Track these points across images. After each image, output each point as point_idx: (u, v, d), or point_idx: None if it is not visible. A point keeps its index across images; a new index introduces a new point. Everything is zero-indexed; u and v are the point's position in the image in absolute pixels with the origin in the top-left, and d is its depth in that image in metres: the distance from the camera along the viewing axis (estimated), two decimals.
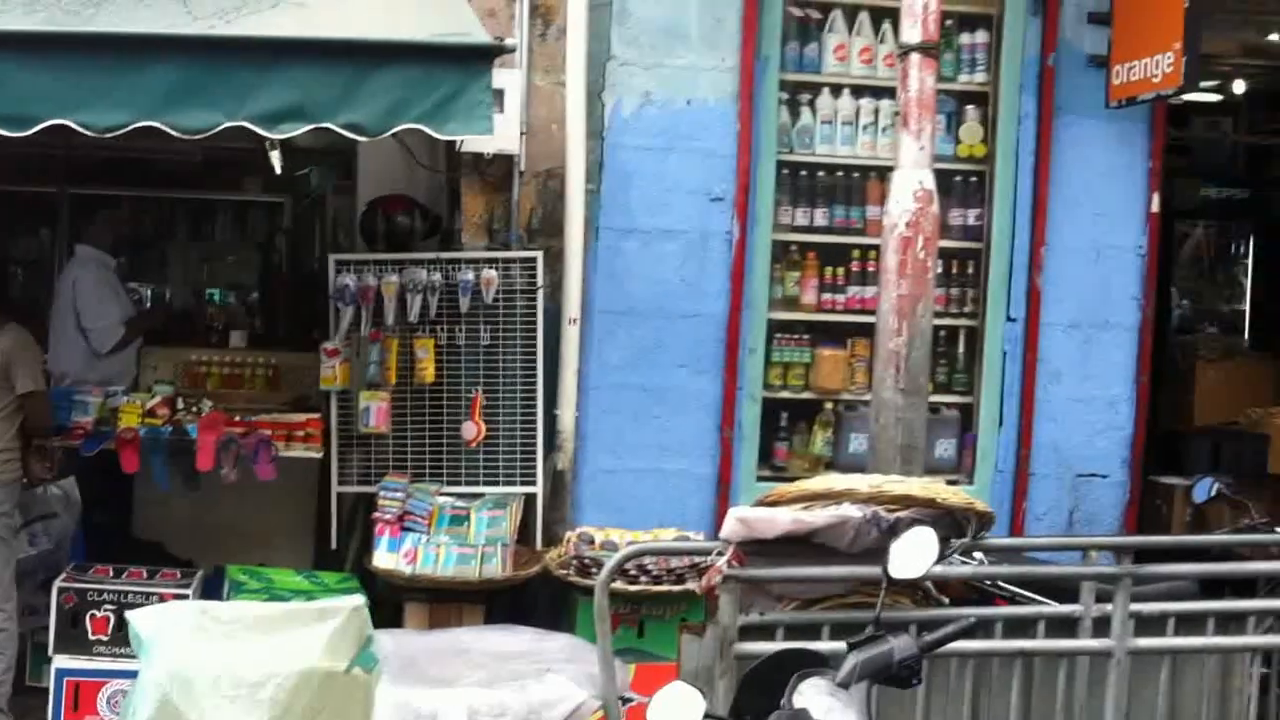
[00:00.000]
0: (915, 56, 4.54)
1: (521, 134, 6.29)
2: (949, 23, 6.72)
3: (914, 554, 2.86)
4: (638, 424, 6.53)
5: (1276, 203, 9.05)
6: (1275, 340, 8.43)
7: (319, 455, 6.38)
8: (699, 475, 6.58)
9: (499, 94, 5.61)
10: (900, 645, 2.59)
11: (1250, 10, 7.40)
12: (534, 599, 6.17)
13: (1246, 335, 9.79)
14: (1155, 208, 6.88)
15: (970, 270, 6.85)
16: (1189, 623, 4.05)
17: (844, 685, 2.57)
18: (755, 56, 6.53)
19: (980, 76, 6.83)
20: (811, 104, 6.74)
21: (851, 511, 3.86)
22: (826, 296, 6.77)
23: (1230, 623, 4.12)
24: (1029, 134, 6.73)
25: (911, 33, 4.56)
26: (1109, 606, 3.89)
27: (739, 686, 2.88)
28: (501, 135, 5.76)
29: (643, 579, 5.76)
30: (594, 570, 5.56)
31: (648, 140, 6.49)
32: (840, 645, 2.78)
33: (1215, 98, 9.28)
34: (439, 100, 4.78)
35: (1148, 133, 6.84)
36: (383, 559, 5.98)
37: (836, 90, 6.74)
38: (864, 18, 6.75)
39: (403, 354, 6.29)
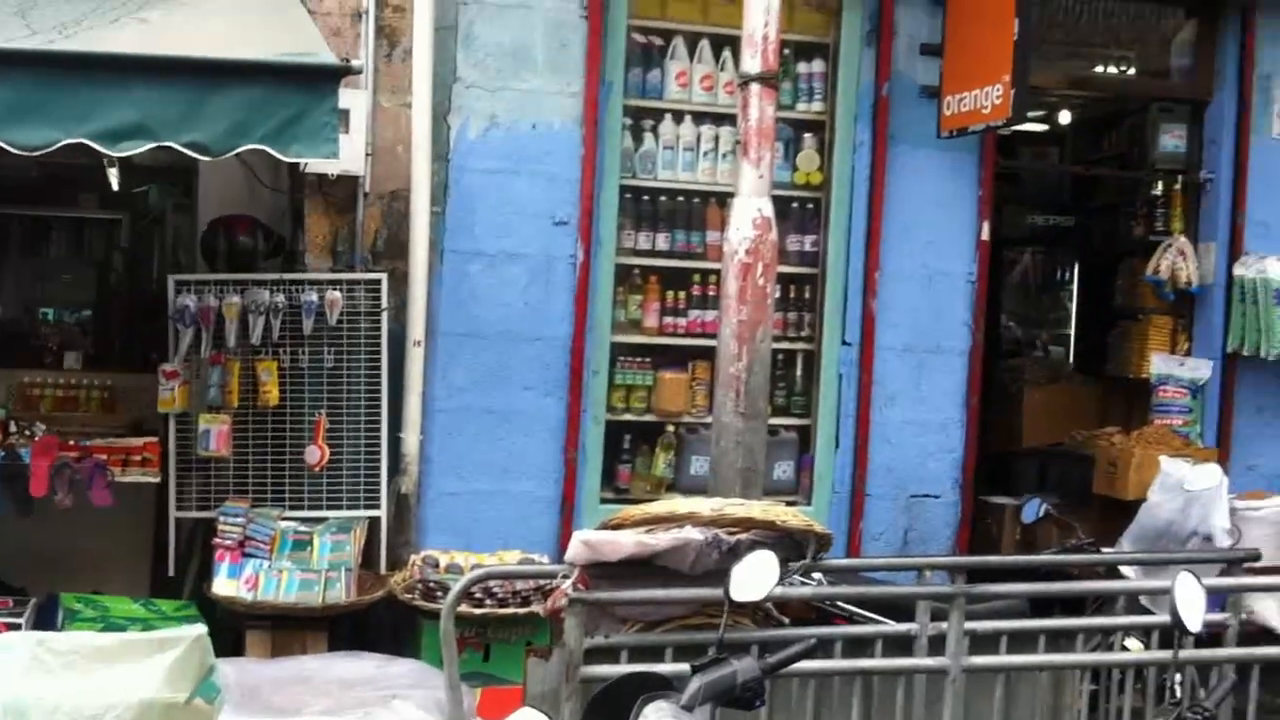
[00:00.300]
0: (755, 86, 4.64)
1: (367, 155, 6.28)
2: (787, 52, 6.88)
3: (754, 577, 2.93)
4: (483, 446, 6.53)
5: (1100, 230, 9.40)
6: (1099, 364, 8.75)
7: (156, 480, 6.24)
8: (544, 497, 6.61)
9: (344, 114, 5.58)
10: (743, 667, 2.64)
11: (1075, 43, 7.72)
12: (379, 624, 6.12)
13: (1072, 359, 10.14)
14: (985, 235, 7.12)
15: (807, 295, 7.02)
16: (1021, 641, 4.19)
17: (688, 708, 2.61)
18: (600, 82, 6.61)
19: (818, 105, 7.01)
20: (654, 129, 6.84)
21: (694, 534, 3.92)
22: (668, 320, 6.87)
23: (1061, 640, 4.27)
24: (864, 162, 6.91)
25: (751, 63, 4.65)
26: (944, 625, 4.01)
27: (585, 710, 2.91)
28: (347, 156, 5.73)
29: (488, 602, 5.76)
30: (439, 594, 5.55)
31: (493, 163, 6.51)
32: (684, 667, 2.83)
33: (1043, 128, 9.64)
34: (283, 121, 4.75)
35: (978, 162, 7.08)
36: (223, 586, 5.88)
37: (679, 116, 6.87)
38: (705, 45, 6.88)
39: (244, 376, 6.20)
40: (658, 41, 6.89)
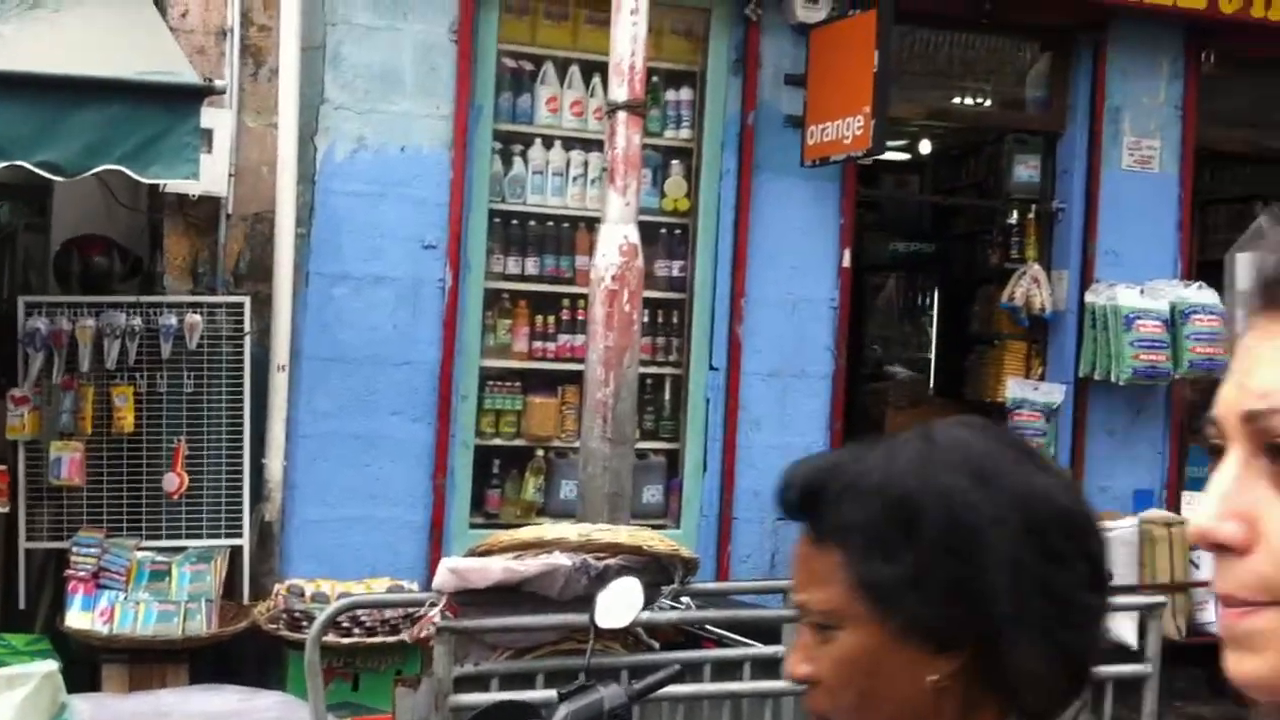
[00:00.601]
0: (622, 114, 4.67)
1: (230, 175, 6.17)
2: (655, 79, 6.95)
3: (620, 603, 2.93)
4: (349, 472, 6.45)
5: (960, 257, 9.64)
6: (959, 387, 8.95)
7: (6, 510, 6.04)
8: (412, 523, 6.55)
9: (208, 134, 5.50)
10: (610, 694, 2.64)
11: (935, 75, 7.90)
12: (243, 656, 6.00)
13: (932, 383, 10.36)
14: (846, 262, 7.24)
15: (675, 320, 7.07)
16: None
17: None
18: (469, 105, 6.59)
19: (685, 132, 7.08)
20: (524, 154, 6.85)
21: (561, 560, 3.92)
22: (538, 344, 6.86)
23: None
24: (730, 189, 6.99)
25: (619, 91, 4.69)
26: None
27: None
28: (209, 177, 5.65)
29: (356, 631, 5.68)
30: (305, 624, 5.45)
31: (361, 186, 6.46)
32: (552, 694, 2.82)
33: (905, 157, 9.87)
34: (142, 141, 4.66)
35: (840, 191, 7.20)
36: (77, 619, 5.71)
37: (549, 141, 6.88)
38: (575, 71, 6.91)
39: (99, 402, 6.03)
40: (528, 66, 6.90)
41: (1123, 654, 6.05)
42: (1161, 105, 7.86)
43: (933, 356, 10.70)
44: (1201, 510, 0.95)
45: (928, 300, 11.07)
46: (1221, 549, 0.93)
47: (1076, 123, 7.77)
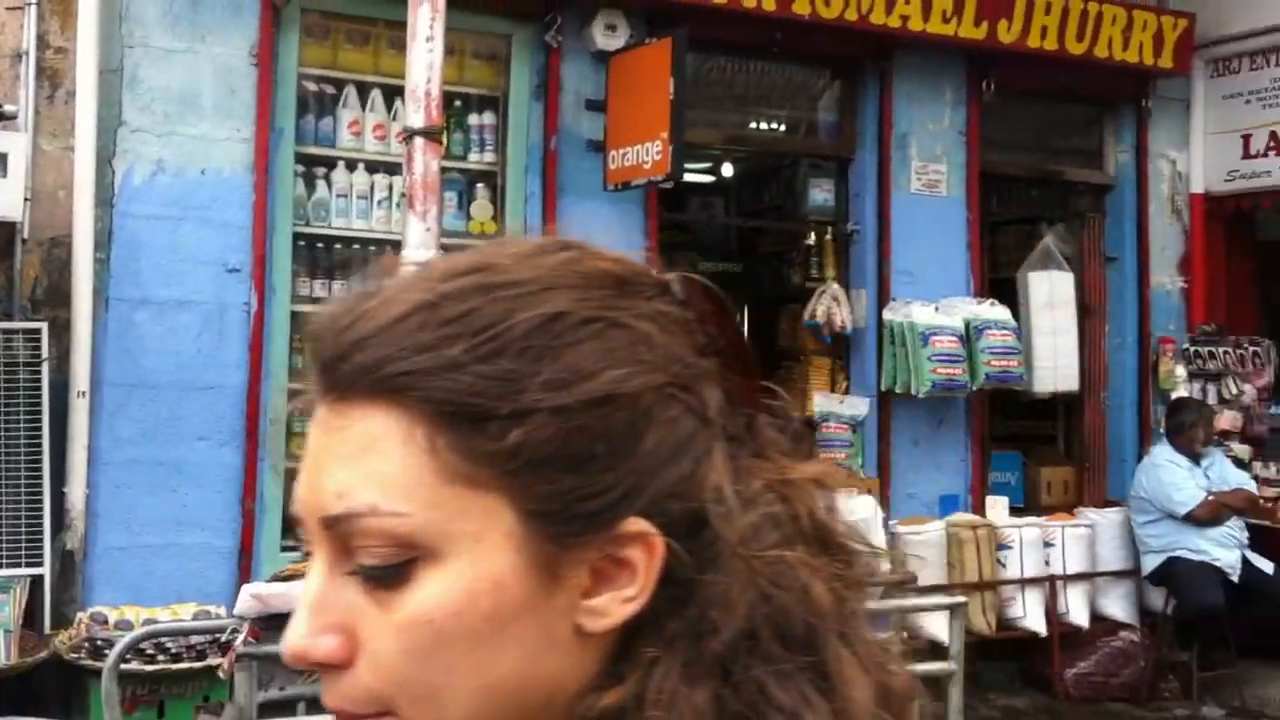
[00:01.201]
0: (420, 140, 4.77)
1: (26, 200, 6.09)
2: (458, 103, 7.08)
3: None
4: (154, 498, 6.40)
5: (765, 276, 9.91)
6: None
7: None
8: (221, 548, 6.52)
9: (1, 158, 5.45)
10: None
11: (732, 101, 8.18)
12: (46, 687, 5.90)
13: None
14: None
15: None
16: None
17: None
18: (270, 128, 6.61)
19: (490, 156, 7.21)
20: (327, 177, 6.89)
21: None
22: None
23: None
24: (535, 212, 7.11)
25: (416, 117, 4.78)
26: None
27: None
28: (3, 201, 5.60)
29: (161, 658, 5.65)
30: (107, 652, 5.42)
31: (161, 209, 6.43)
32: None
33: (708, 179, 10.15)
34: None
35: (643, 214, 7.40)
36: None
37: (352, 165, 6.93)
38: (377, 95, 6.97)
39: None
40: (330, 90, 6.96)
41: (937, 650, 6.37)
42: (946, 130, 8.26)
43: None
44: (294, 628, 0.85)
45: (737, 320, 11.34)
46: (324, 666, 0.84)
47: (866, 147, 8.11)
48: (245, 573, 6.43)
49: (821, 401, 8.08)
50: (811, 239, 8.40)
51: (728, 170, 9.80)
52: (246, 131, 6.60)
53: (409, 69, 4.83)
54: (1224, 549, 7.92)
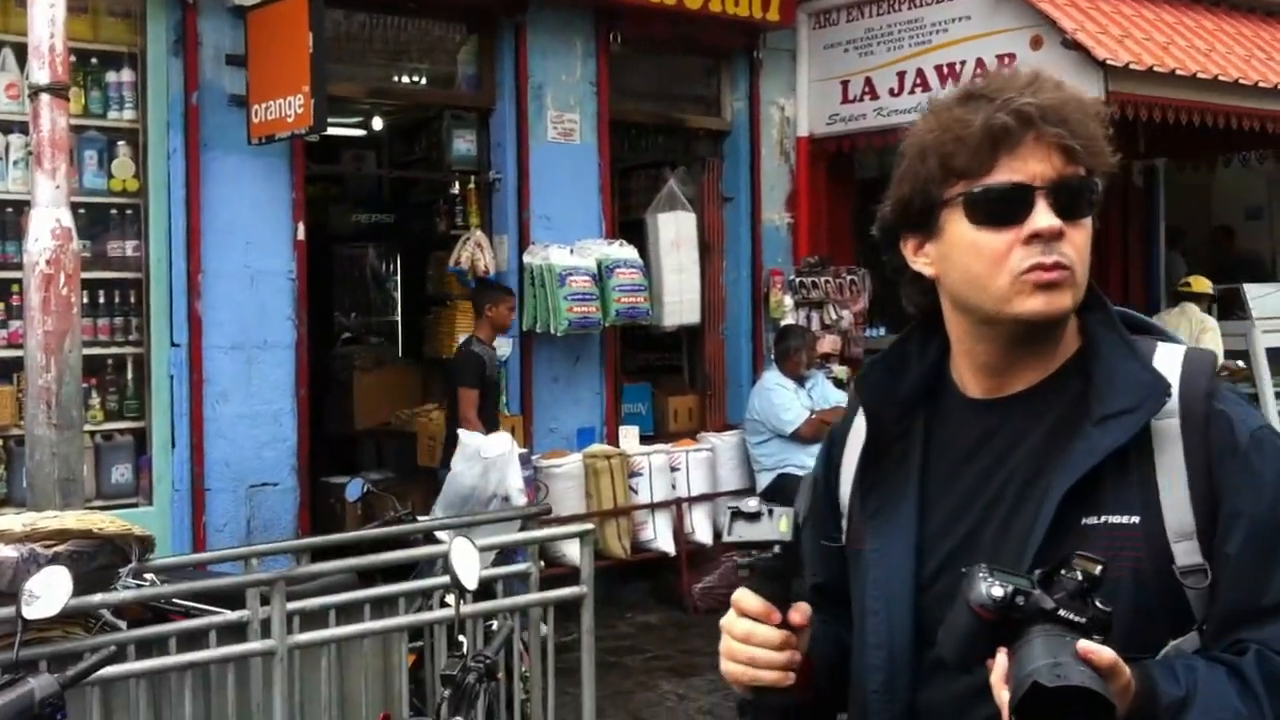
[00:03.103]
0: (45, 97, 4.29)
1: None
2: (94, 61, 6.49)
3: (49, 592, 2.72)
4: None
5: (416, 226, 9.65)
6: (420, 347, 8.99)
7: None
8: None
9: None
10: (40, 684, 2.45)
11: (374, 55, 7.84)
12: None
13: (400, 344, 10.35)
14: (301, 235, 7.06)
15: (133, 299, 6.64)
16: (349, 612, 4.16)
17: None
18: None
19: (130, 113, 6.63)
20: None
21: (7, 552, 3.58)
22: (4, 332, 6.25)
23: (385, 607, 4.30)
24: (179, 168, 6.63)
25: (40, 74, 4.30)
26: None
27: None
28: None
29: None
30: None
31: None
32: None
33: (360, 133, 9.75)
34: None
35: (290, 167, 7.00)
36: None
37: None
38: (8, 54, 6.31)
39: None
40: None
41: (575, 576, 6.34)
42: (579, 82, 8.19)
43: (399, 319, 10.69)
44: None
45: (391, 267, 11.03)
46: None
47: (505, 99, 7.94)
48: None
49: None
50: (456, 188, 8.18)
51: (378, 124, 9.44)
52: None
53: (30, 24, 4.34)
54: None
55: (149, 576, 4.27)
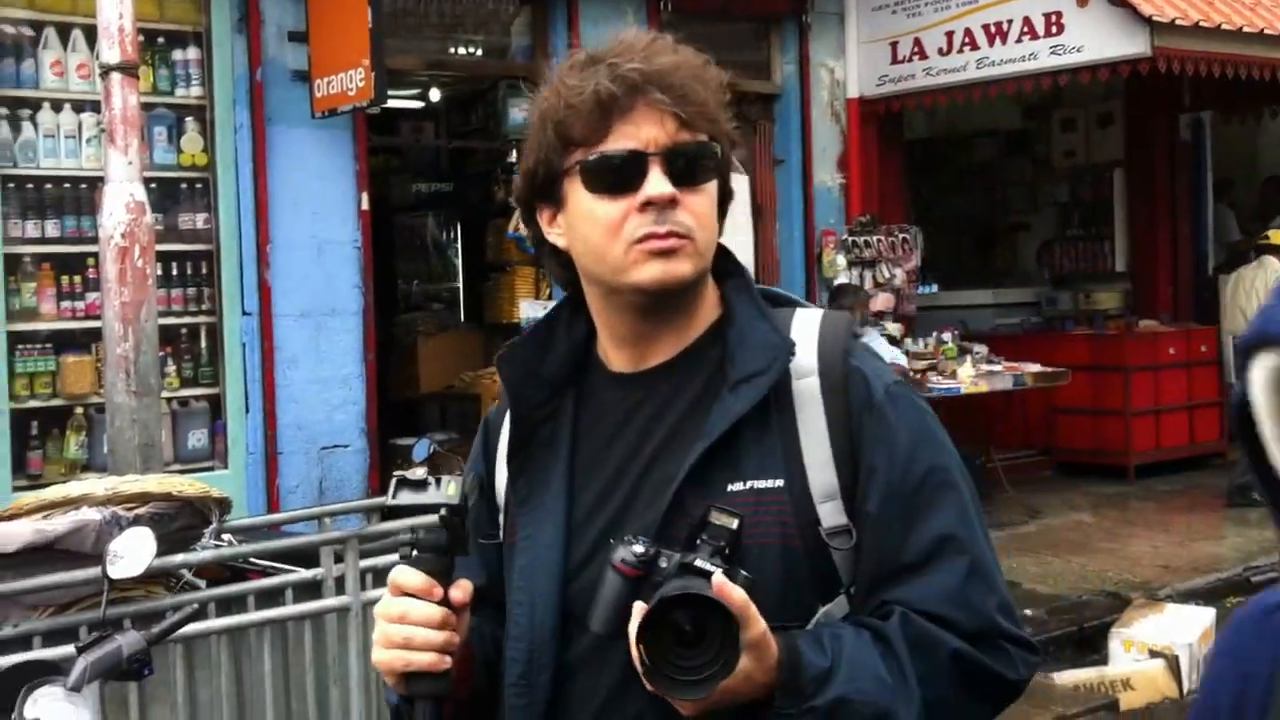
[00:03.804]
0: (116, 76, 4.33)
1: None
2: (161, 40, 6.54)
3: (133, 553, 2.76)
4: None
5: (475, 194, 9.66)
6: (481, 312, 9.02)
7: None
8: None
9: None
10: (128, 641, 2.48)
11: (431, 28, 7.82)
12: None
13: (462, 310, 10.38)
14: (365, 205, 7.10)
15: (205, 270, 6.71)
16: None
17: (76, 689, 2.43)
18: None
19: (196, 90, 6.68)
20: (33, 119, 6.25)
21: (91, 515, 3.64)
22: (66, 305, 6.33)
23: None
24: (245, 143, 6.67)
25: (110, 54, 4.33)
26: None
27: None
28: None
29: None
30: None
31: None
32: (71, 649, 2.62)
33: (419, 104, 9.75)
34: None
35: (352, 139, 7.03)
36: None
37: (58, 105, 6.33)
38: (79, 35, 6.36)
39: None
40: (28, 32, 6.29)
41: None
42: None
43: (460, 286, 10.71)
44: None
45: (452, 235, 11.05)
46: None
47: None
48: None
49: (527, 308, 7.94)
50: (513, 156, 8.16)
51: (436, 96, 9.41)
52: None
53: (99, 6, 4.37)
54: None
55: (226, 537, 4.33)
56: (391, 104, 7.71)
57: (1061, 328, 11.23)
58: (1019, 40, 8.52)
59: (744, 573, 1.38)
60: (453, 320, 9.88)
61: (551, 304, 7.70)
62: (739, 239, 8.59)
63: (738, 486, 1.49)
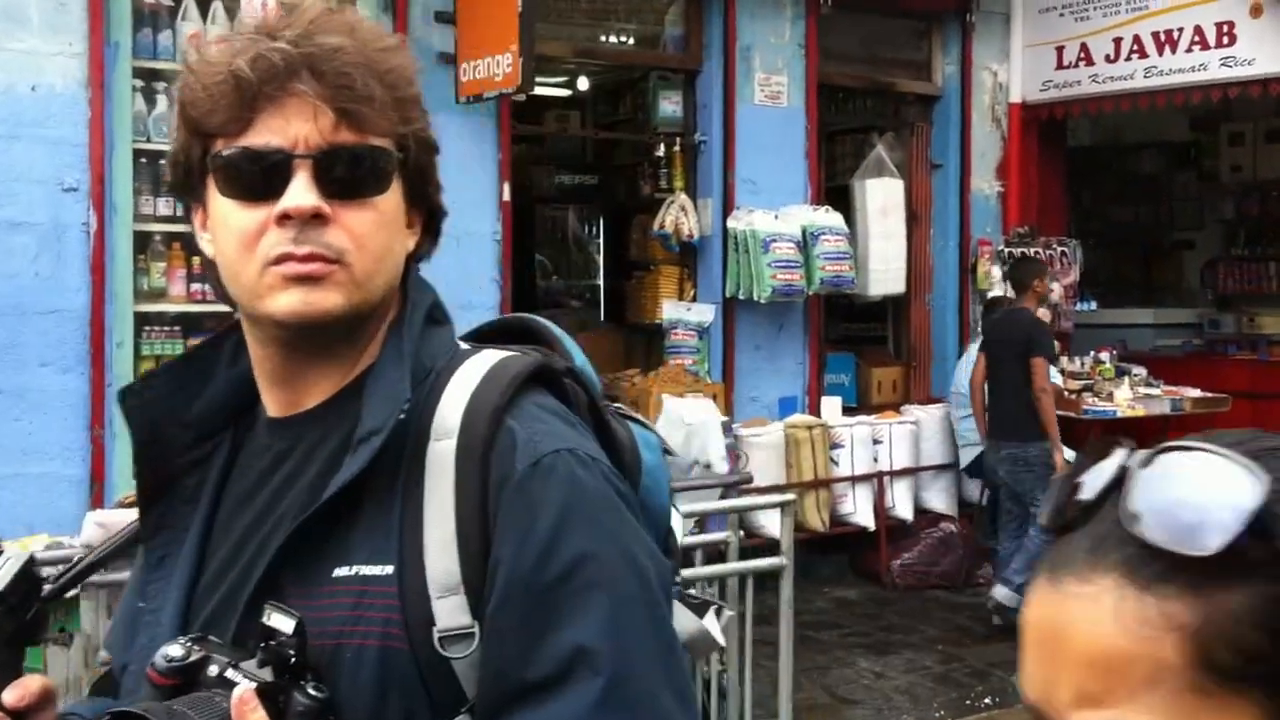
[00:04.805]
0: None
1: None
2: None
3: None
4: None
5: (620, 188, 9.15)
6: (622, 312, 8.49)
7: None
8: (70, 477, 5.58)
9: None
10: None
11: (583, 14, 7.33)
12: None
13: (602, 309, 9.87)
14: (507, 196, 6.61)
15: None
16: None
17: None
18: (105, 43, 5.58)
19: None
20: (168, 92, 5.86)
21: None
22: (196, 287, 5.93)
23: None
24: None
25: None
26: None
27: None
28: None
29: None
30: None
31: None
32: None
33: (565, 93, 9.25)
34: None
35: (496, 126, 6.55)
36: None
37: None
38: (218, 7, 5.95)
39: None
40: (167, 2, 5.91)
41: (776, 548, 5.76)
42: (787, 44, 7.53)
43: (601, 283, 10.22)
44: None
45: (594, 230, 10.57)
46: None
47: (712, 60, 7.35)
48: (99, 501, 5.53)
49: (670, 309, 7.45)
50: (661, 150, 7.61)
51: (583, 84, 8.89)
52: (79, 46, 5.56)
53: None
54: None
55: None
56: (536, 91, 7.22)
57: (1223, 351, 10.36)
58: (1189, 50, 7.82)
59: (311, 688, 1.08)
60: (592, 319, 9.37)
61: (695, 304, 7.14)
62: (891, 245, 7.93)
63: (343, 571, 1.15)
